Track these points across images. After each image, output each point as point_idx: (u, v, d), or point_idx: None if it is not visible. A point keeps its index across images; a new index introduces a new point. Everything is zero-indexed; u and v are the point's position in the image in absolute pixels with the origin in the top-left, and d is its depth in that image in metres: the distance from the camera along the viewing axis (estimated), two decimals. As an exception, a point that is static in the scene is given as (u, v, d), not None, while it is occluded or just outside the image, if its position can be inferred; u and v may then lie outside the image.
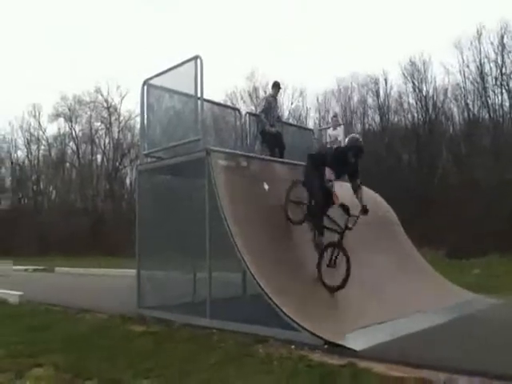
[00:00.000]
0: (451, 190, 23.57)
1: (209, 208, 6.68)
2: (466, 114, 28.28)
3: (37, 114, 45.21)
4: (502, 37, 26.62)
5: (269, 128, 8.76)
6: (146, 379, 3.89)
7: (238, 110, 9.71)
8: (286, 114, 32.63)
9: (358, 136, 6.80)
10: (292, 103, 35.30)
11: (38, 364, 4.41)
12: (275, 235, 6.68)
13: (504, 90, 26.77)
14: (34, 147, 45.77)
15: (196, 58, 6.86)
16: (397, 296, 6.56)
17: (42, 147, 46.09)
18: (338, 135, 10.79)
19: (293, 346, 4.98)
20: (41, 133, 45.60)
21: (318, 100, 34.38)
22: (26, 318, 7.26)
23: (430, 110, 28.85)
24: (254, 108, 32.00)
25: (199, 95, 6.91)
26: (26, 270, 21.53)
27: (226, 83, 51.41)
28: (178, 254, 7.52)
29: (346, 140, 6.74)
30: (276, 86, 9.25)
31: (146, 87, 7.79)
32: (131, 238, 8.55)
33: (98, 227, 36.04)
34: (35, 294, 10.12)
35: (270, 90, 9.78)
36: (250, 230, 6.39)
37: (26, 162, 46.03)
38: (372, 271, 6.93)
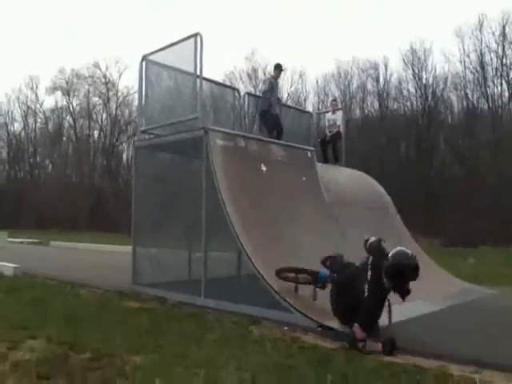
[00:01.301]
0: (449, 181, 23.64)
1: (206, 187, 6.66)
2: (465, 103, 28.29)
3: (34, 86, 44.84)
4: (504, 27, 26.51)
5: (270, 109, 8.73)
6: (139, 355, 3.91)
7: (237, 91, 9.64)
8: (285, 96, 32.45)
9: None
10: (291, 86, 35.09)
11: (32, 336, 4.42)
12: (272, 216, 6.67)
13: (504, 81, 26.73)
14: (30, 120, 45.49)
15: (196, 35, 6.78)
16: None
17: (39, 120, 45.81)
18: (336, 119, 10.76)
19: (286, 328, 5.02)
20: (38, 106, 45.27)
21: (317, 83, 34.20)
22: (21, 291, 7.24)
23: (429, 99, 28.76)
24: (252, 89, 31.88)
25: (198, 73, 6.83)
26: (21, 242, 21.53)
27: (225, 63, 51.01)
28: (174, 232, 7.54)
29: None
30: (278, 67, 9.17)
31: (144, 63, 7.68)
32: (128, 214, 8.54)
33: (96, 203, 35.98)
34: (30, 266, 10.12)
35: (269, 72, 9.75)
36: (247, 210, 6.40)
37: (23, 134, 45.75)
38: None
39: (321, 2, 52.61)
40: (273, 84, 9.06)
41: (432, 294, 6.56)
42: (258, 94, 12.43)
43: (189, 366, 3.64)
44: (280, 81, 9.86)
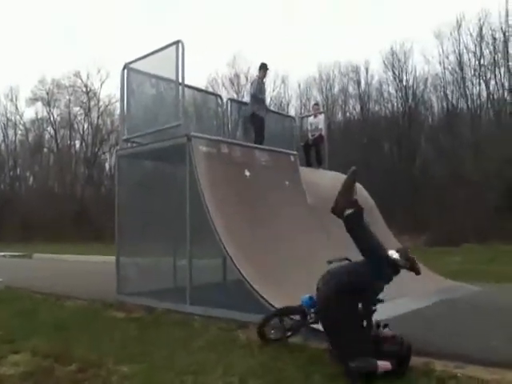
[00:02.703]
0: (431, 180, 23.90)
1: (189, 194, 6.66)
2: (444, 103, 28.67)
3: (14, 97, 44.26)
4: (481, 28, 26.92)
5: (258, 111, 8.78)
6: (126, 365, 3.88)
7: (220, 97, 9.67)
8: (268, 100, 32.48)
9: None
10: (274, 90, 35.22)
11: (16, 350, 4.36)
12: (256, 220, 6.69)
13: (482, 81, 27.17)
14: (10, 132, 44.85)
15: (177, 42, 6.80)
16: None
17: (19, 132, 45.21)
18: (318, 123, 10.86)
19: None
20: (18, 117, 44.70)
21: (299, 87, 34.41)
22: (5, 304, 7.17)
23: (410, 100, 29.12)
24: (235, 95, 31.93)
25: (180, 80, 6.85)
26: (3, 256, 21.23)
27: (207, 70, 50.91)
28: (158, 240, 7.52)
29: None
30: (263, 67, 9.20)
31: (126, 71, 7.67)
32: (112, 223, 8.50)
33: (79, 213, 35.61)
34: (14, 279, 9.98)
35: (251, 77, 9.80)
36: (231, 216, 6.41)
37: (3, 146, 45.08)
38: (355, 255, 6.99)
39: (303, 6, 52.99)
40: (260, 85, 9.12)
41: (416, 292, 6.63)
42: (240, 99, 12.47)
43: (177, 373, 3.63)
44: (266, 81, 9.90)
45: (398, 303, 5.53)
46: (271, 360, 3.96)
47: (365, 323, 3.71)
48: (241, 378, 3.39)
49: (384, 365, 3.42)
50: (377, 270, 3.72)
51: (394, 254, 3.93)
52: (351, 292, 3.64)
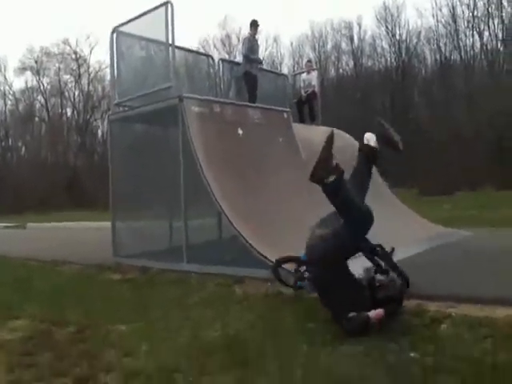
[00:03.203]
0: (424, 133, 23.90)
1: (183, 155, 6.63)
2: (438, 56, 28.36)
3: (2, 67, 43.32)
4: (475, -22, 26.33)
5: (251, 69, 8.69)
6: (124, 324, 3.91)
7: (211, 58, 9.52)
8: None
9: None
10: (266, 49, 34.63)
11: (14, 316, 4.35)
12: (250, 178, 6.69)
13: (475, 32, 26.85)
14: (0, 102, 44.13)
15: (166, 3, 6.64)
16: (374, 230, 6.74)
17: (9, 102, 44.49)
18: (311, 79, 10.78)
19: (269, 283, 5.05)
20: (7, 87, 43.87)
21: (292, 46, 33.85)
22: (2, 272, 7.21)
23: (403, 54, 28.80)
24: (227, 55, 31.41)
25: (170, 41, 6.72)
26: (-3, 226, 21.19)
27: (198, 31, 49.71)
28: (154, 203, 7.54)
29: None
30: (254, 24, 9.04)
31: (115, 35, 7.51)
32: (106, 189, 8.50)
33: (73, 182, 35.49)
34: (8, 249, 10.02)
35: (243, 37, 9.64)
36: (225, 175, 6.39)
37: (-7, 117, 44.42)
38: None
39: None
40: (252, 43, 8.97)
41: (408, 240, 6.72)
42: (232, 59, 12.27)
43: (174, 329, 3.67)
44: (258, 38, 9.77)
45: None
46: (268, 312, 3.98)
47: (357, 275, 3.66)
48: (238, 331, 3.43)
49: (377, 314, 3.36)
50: (359, 230, 3.63)
51: (370, 139, 3.89)
52: (337, 255, 3.54)
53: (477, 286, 4.37)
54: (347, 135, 10.31)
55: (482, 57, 27.08)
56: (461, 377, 2.50)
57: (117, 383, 2.73)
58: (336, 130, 10.40)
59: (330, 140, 3.44)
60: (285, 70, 30.68)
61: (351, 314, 3.30)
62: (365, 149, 3.96)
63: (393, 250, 4.02)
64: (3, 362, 3.19)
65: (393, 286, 3.59)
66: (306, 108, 10.42)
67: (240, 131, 7.28)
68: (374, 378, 2.59)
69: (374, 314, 3.36)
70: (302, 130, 8.74)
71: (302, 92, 10.58)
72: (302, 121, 10.08)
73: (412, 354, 2.88)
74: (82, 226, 17.73)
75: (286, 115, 8.45)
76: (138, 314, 4.20)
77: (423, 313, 3.66)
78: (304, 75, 10.96)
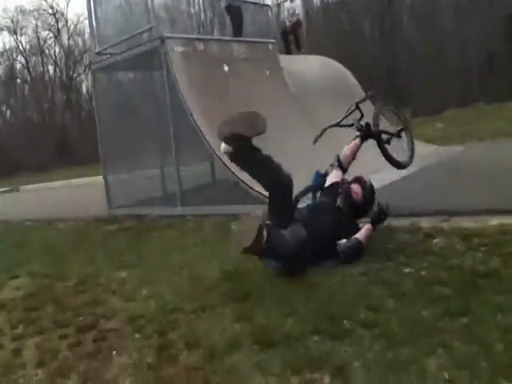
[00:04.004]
0: (413, 55, 23.44)
1: (170, 98, 6.48)
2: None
3: (-22, 30, 41.77)
4: None
5: (233, 1, 8.36)
6: (124, 271, 3.94)
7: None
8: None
9: None
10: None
11: (14, 276, 4.37)
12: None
13: None
14: (-22, 66, 42.89)
15: None
16: (366, 153, 6.69)
17: (-12, 65, 43.20)
18: (295, 8, 10.41)
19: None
20: (-15, 50, 42.48)
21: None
22: (-1, 234, 7.24)
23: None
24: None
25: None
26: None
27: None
28: (144, 152, 7.45)
29: None
30: None
31: (90, -20, 7.19)
32: (95, 144, 8.38)
33: (62, 140, 35.14)
34: (3, 213, 10.03)
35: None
36: (213, 113, 6.25)
37: (-28, 82, 43.34)
38: (342, 134, 6.99)
39: None
40: None
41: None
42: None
43: (173, 270, 3.70)
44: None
45: (382, 175, 5.59)
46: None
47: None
48: (237, 267, 3.45)
49: (366, 231, 3.31)
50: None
51: None
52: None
53: (469, 200, 4.35)
54: (336, 63, 10.11)
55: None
56: (453, 286, 2.53)
57: (118, 328, 2.75)
58: (325, 59, 10.22)
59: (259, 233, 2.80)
60: (268, 1, 29.61)
61: (341, 242, 3.26)
62: None
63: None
64: (7, 319, 3.23)
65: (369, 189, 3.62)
66: (291, 38, 10.12)
67: (226, 67, 7.12)
68: (370, 295, 2.61)
69: (363, 235, 3.31)
70: (288, 61, 8.56)
71: (287, 22, 10.25)
72: (288, 52, 9.83)
73: (407, 270, 2.91)
74: (76, 182, 17.58)
75: (271, 47, 8.27)
76: (137, 260, 4.23)
77: (417, 229, 3.66)
78: (287, 3, 10.63)
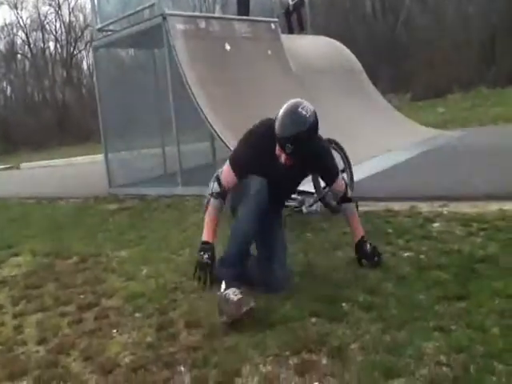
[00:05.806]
0: (415, 37, 23.16)
1: (171, 76, 6.44)
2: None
3: (-23, 4, 41.20)
4: None
5: None
6: (124, 250, 3.97)
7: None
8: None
9: None
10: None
11: (15, 253, 4.38)
12: (241, 92, 6.54)
13: None
14: (-21, 41, 42.38)
15: None
16: (368, 138, 6.70)
17: (-12, 40, 42.67)
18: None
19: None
20: (-16, 25, 41.99)
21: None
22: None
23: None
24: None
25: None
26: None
27: None
28: (145, 131, 7.43)
29: None
30: None
31: (93, -45, 7.09)
32: (96, 122, 8.35)
33: (63, 117, 34.90)
34: (3, 190, 10.01)
35: None
36: (215, 92, 6.24)
37: (-27, 58, 42.87)
38: (343, 116, 6.97)
39: None
40: None
41: (401, 145, 6.73)
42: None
43: (173, 249, 3.73)
44: None
45: (382, 158, 5.59)
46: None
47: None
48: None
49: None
50: None
51: None
52: None
53: (469, 185, 4.40)
54: (338, 43, 10.05)
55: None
56: (452, 271, 2.56)
57: (119, 307, 2.77)
58: (327, 39, 10.13)
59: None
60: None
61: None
62: None
63: None
64: (8, 296, 3.25)
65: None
66: (293, 17, 9.97)
67: (227, 46, 7.07)
68: (369, 278, 2.63)
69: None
70: (291, 41, 8.50)
71: (290, 1, 10.08)
72: (290, 31, 9.72)
73: (406, 254, 2.93)
74: (76, 161, 17.57)
75: (273, 26, 8.15)
76: (138, 239, 4.26)
77: (416, 214, 3.69)
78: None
